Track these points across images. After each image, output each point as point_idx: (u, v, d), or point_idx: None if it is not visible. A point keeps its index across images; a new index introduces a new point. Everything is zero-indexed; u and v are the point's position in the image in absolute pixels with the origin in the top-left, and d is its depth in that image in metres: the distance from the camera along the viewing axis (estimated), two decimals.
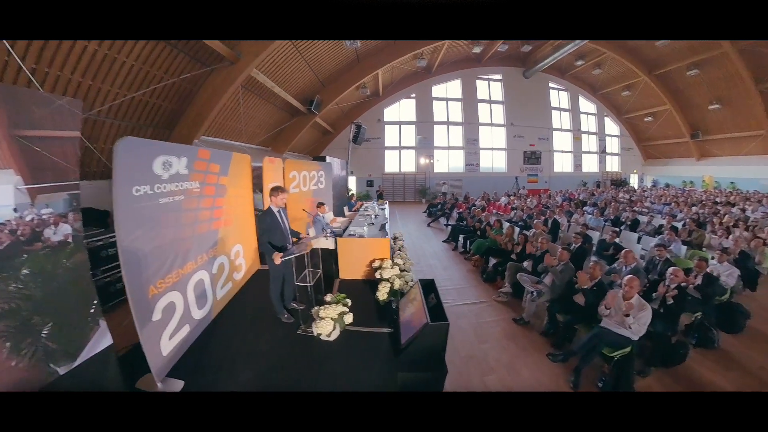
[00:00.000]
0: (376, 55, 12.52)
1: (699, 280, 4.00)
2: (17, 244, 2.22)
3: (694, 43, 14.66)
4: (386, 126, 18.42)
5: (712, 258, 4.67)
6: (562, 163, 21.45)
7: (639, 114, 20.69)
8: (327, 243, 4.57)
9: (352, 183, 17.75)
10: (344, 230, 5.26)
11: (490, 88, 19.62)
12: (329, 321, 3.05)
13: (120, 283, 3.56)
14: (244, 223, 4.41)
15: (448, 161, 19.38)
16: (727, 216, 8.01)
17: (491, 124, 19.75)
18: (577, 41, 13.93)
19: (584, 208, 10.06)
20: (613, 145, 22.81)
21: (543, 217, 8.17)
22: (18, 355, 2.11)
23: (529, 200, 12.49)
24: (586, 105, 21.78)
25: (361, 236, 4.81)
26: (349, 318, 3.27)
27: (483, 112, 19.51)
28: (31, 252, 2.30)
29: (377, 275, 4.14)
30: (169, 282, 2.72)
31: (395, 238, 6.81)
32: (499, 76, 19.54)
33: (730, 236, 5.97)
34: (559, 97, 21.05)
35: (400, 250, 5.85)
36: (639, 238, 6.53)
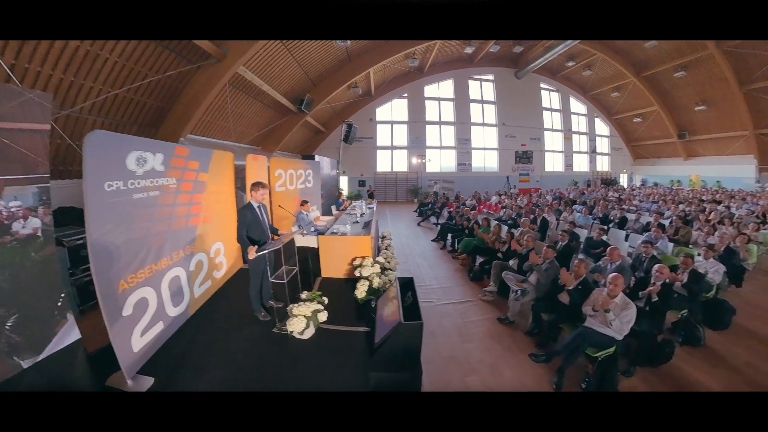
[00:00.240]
0: (368, 54, 12.51)
1: (685, 277, 3.95)
2: None
3: (681, 45, 14.93)
4: (378, 125, 18.41)
5: (698, 255, 4.67)
6: (554, 163, 21.66)
7: (628, 115, 21.01)
8: (309, 241, 4.55)
9: (344, 183, 17.74)
10: (328, 228, 5.24)
11: (482, 88, 19.74)
12: (302, 318, 3.03)
13: None
14: (226, 221, 4.37)
15: (440, 161, 19.43)
16: (712, 213, 8.07)
17: (483, 124, 19.87)
18: (568, 42, 14.08)
19: (574, 207, 10.14)
20: (603, 145, 23.11)
21: (532, 216, 8.19)
22: None
23: (519, 199, 12.59)
24: (577, 106, 22.05)
25: (344, 234, 4.79)
26: (323, 316, 3.23)
27: (475, 112, 19.61)
28: None
29: (356, 273, 4.13)
30: (142, 277, 2.69)
31: (383, 237, 6.81)
32: (491, 77, 19.67)
33: (716, 233, 5.96)
34: (550, 97, 21.27)
35: (386, 249, 5.85)
36: (627, 236, 6.57)
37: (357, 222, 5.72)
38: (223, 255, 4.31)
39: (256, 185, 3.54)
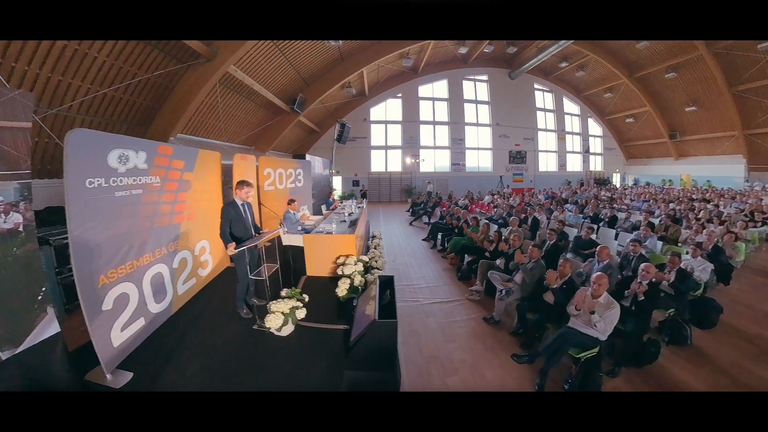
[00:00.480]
0: (360, 53, 12.53)
1: (672, 276, 3.90)
2: None
3: (672, 47, 15.12)
4: (372, 125, 18.44)
5: (687, 253, 4.64)
6: (547, 163, 21.83)
7: (620, 115, 21.24)
8: (295, 240, 4.59)
9: (338, 182, 17.76)
10: (315, 227, 5.29)
11: (476, 88, 19.84)
12: (279, 315, 3.07)
13: None
14: (212, 219, 4.39)
15: (434, 161, 19.50)
16: (702, 212, 8.13)
17: (477, 124, 19.97)
18: (562, 42, 14.22)
19: (565, 206, 10.21)
20: (596, 145, 23.33)
21: (523, 215, 8.21)
22: None
23: (512, 199, 12.68)
24: (570, 106, 22.23)
25: (329, 233, 4.83)
26: (301, 313, 3.26)
27: (469, 112, 19.71)
28: None
29: (339, 271, 4.16)
30: (122, 273, 2.73)
31: (373, 237, 6.87)
32: (485, 77, 19.77)
33: (704, 231, 5.93)
34: (544, 98, 21.42)
35: (375, 248, 5.90)
36: (616, 235, 6.57)
37: (344, 221, 5.77)
38: (208, 253, 4.34)
39: (241, 184, 3.63)
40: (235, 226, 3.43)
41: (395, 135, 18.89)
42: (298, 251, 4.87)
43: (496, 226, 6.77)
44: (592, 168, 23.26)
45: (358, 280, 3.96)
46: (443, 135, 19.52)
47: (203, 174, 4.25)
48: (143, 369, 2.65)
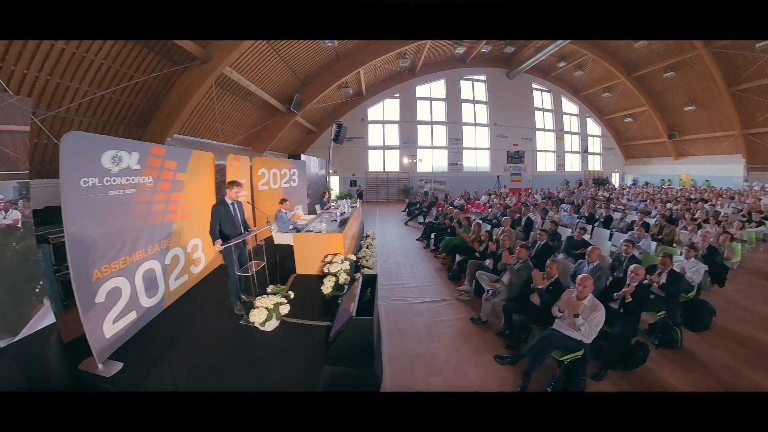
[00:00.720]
0: (357, 54, 12.62)
1: (663, 278, 3.78)
2: None
3: (670, 46, 15.12)
4: (370, 125, 18.53)
5: (680, 254, 4.56)
6: (546, 163, 21.85)
7: (619, 115, 21.21)
8: (287, 238, 4.71)
9: (335, 182, 17.87)
10: (305, 226, 5.40)
11: (474, 88, 19.89)
12: (263, 310, 3.19)
13: None
14: (205, 218, 4.52)
15: (431, 161, 19.57)
16: (698, 212, 8.02)
17: (475, 124, 20.02)
18: (559, 42, 14.21)
19: (561, 206, 10.16)
20: (595, 145, 23.32)
21: (517, 215, 8.17)
22: None
23: (508, 199, 12.74)
24: (569, 106, 22.23)
25: (319, 232, 4.95)
26: (285, 309, 3.37)
27: (467, 112, 19.76)
28: None
29: (325, 269, 4.27)
30: (115, 268, 2.88)
31: (367, 236, 6.98)
32: (482, 77, 19.81)
33: (699, 231, 5.82)
34: (542, 97, 21.44)
35: (367, 247, 6.01)
36: (611, 235, 6.48)
37: (335, 220, 5.89)
38: (201, 251, 4.48)
39: (231, 184, 3.80)
40: (224, 224, 3.57)
41: (393, 135, 18.97)
42: (289, 250, 5.00)
43: (489, 226, 6.82)
44: (591, 168, 23.26)
45: (343, 278, 4.07)
46: (441, 135, 19.58)
47: (196, 174, 4.39)
48: (134, 360, 2.78)
